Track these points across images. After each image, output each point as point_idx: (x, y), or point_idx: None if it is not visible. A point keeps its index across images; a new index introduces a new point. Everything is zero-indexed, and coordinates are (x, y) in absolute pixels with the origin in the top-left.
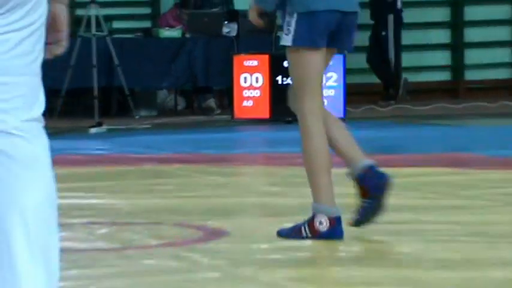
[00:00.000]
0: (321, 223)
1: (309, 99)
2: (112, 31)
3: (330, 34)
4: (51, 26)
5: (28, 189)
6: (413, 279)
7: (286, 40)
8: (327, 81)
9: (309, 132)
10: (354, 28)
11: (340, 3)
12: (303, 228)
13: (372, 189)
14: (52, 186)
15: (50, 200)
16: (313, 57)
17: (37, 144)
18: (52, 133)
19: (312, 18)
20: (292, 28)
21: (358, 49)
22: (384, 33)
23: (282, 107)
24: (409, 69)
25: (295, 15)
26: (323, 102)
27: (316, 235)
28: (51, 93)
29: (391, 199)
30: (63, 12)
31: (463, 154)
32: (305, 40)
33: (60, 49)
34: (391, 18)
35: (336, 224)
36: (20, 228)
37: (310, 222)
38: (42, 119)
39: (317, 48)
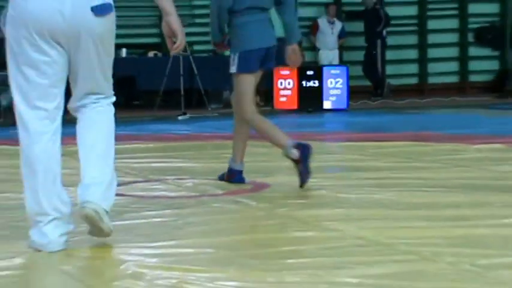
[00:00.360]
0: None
1: (249, 106)
2: (193, 51)
3: (260, 61)
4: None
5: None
6: (391, 215)
7: (233, 69)
8: (336, 84)
9: (259, 123)
10: (274, 55)
11: (265, 42)
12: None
13: (301, 158)
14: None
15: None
16: (249, 79)
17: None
18: (153, 119)
19: (247, 54)
20: (236, 62)
21: (358, 62)
22: (374, 52)
23: (305, 102)
24: (391, 76)
25: (237, 54)
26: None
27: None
28: (153, 93)
29: (375, 162)
30: (173, 22)
31: (426, 132)
32: (244, 68)
33: (177, 49)
34: (379, 42)
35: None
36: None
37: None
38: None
39: (252, 72)
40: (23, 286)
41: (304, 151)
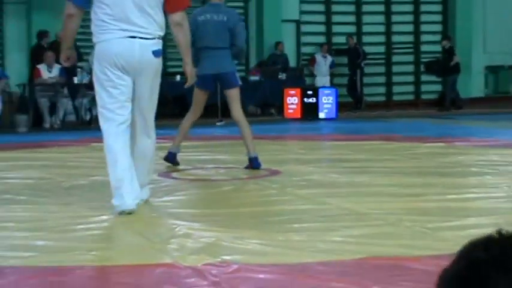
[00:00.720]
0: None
1: (194, 112)
2: None
3: (213, 82)
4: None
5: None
6: (366, 193)
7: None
8: (328, 100)
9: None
10: (228, 79)
11: (209, 70)
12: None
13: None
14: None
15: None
16: (201, 93)
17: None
18: (199, 125)
19: (200, 77)
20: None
21: (343, 85)
22: (354, 78)
23: (306, 113)
24: (367, 95)
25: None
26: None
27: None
28: None
29: (355, 155)
30: (187, 70)
31: (391, 135)
32: (197, 84)
33: (188, 85)
34: (358, 71)
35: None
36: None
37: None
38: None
39: (200, 88)
40: (104, 239)
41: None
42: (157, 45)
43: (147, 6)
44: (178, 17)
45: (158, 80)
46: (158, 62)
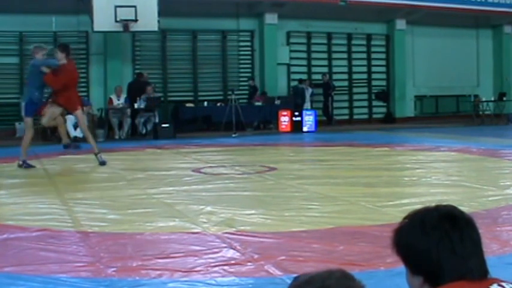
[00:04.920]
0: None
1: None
2: (237, 101)
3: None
4: None
5: None
6: (334, 182)
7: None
8: (309, 118)
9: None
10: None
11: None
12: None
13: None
14: None
15: None
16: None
17: None
18: (220, 136)
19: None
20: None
21: (320, 108)
22: (327, 103)
23: (294, 127)
24: (336, 114)
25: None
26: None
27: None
28: (219, 123)
29: (328, 156)
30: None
31: (353, 142)
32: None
33: None
34: (330, 98)
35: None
36: None
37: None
38: None
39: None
40: (155, 215)
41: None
42: None
43: None
44: None
45: None
46: None
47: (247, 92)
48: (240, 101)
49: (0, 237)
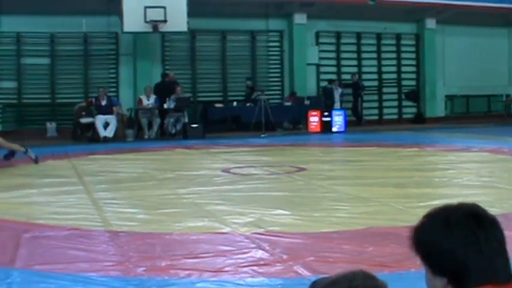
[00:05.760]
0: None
1: None
2: (267, 102)
3: None
4: None
5: None
6: (365, 183)
7: None
8: (339, 119)
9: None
10: None
11: None
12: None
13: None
14: None
15: None
16: None
17: None
18: (249, 136)
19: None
20: None
21: (349, 108)
22: (357, 103)
23: (325, 127)
24: (365, 114)
25: None
26: None
27: None
28: (249, 123)
29: (358, 157)
30: None
31: (382, 142)
32: None
33: None
34: (359, 98)
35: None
36: None
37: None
38: None
39: None
40: (185, 215)
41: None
42: None
43: None
44: None
45: None
46: None
47: (278, 92)
48: (270, 101)
49: (30, 236)
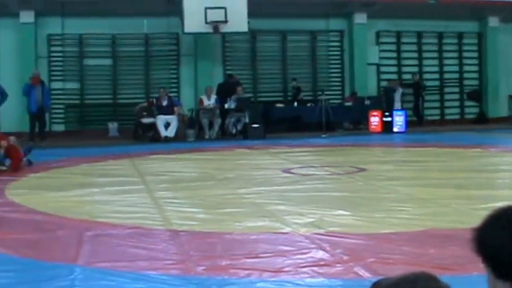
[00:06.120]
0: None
1: None
2: (327, 102)
3: None
4: None
5: None
6: (424, 183)
7: None
8: (400, 119)
9: None
10: None
11: None
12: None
13: None
14: None
15: None
16: None
17: None
18: (310, 136)
19: None
20: None
21: (410, 108)
22: (417, 103)
23: (385, 127)
24: (426, 115)
25: None
26: None
27: None
28: (311, 123)
29: (418, 157)
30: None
31: (444, 143)
32: None
33: None
34: (420, 98)
35: None
36: None
37: None
38: None
39: None
40: (245, 214)
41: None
42: None
43: None
44: None
45: None
46: None
47: (339, 92)
48: (330, 101)
49: (92, 234)
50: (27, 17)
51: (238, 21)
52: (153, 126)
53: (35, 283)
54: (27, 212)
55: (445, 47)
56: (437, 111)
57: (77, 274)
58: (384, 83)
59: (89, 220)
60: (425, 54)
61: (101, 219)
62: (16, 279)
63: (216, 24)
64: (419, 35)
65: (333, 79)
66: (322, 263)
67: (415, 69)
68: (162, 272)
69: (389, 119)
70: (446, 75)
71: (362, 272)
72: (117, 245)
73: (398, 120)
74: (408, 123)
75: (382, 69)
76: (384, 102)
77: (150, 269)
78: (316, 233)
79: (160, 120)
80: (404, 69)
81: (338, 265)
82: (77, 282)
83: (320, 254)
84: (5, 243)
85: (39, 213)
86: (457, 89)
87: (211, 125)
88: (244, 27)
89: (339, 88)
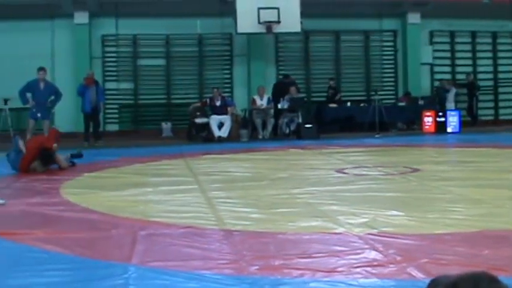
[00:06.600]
0: None
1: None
2: (380, 102)
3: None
4: None
5: None
6: (477, 184)
7: None
8: (454, 119)
9: None
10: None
11: None
12: None
13: None
14: None
15: None
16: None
17: None
18: (363, 136)
19: None
20: None
21: (464, 108)
22: (472, 103)
23: (439, 128)
24: (480, 115)
25: None
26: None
27: None
28: (363, 123)
29: (473, 158)
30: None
31: (499, 143)
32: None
33: None
34: (474, 98)
35: None
36: None
37: None
38: None
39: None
40: (298, 214)
41: None
42: None
43: None
44: None
45: None
46: None
47: (392, 92)
48: (384, 101)
49: (146, 233)
50: (81, 18)
51: (291, 21)
52: (206, 126)
53: (89, 281)
54: (82, 211)
55: (500, 47)
56: (492, 111)
57: (131, 273)
58: (437, 83)
59: (142, 219)
60: (479, 54)
61: (155, 219)
62: (71, 278)
63: (269, 25)
64: (473, 34)
65: (386, 79)
66: (375, 263)
67: (469, 69)
68: (215, 272)
69: (443, 119)
70: (500, 75)
71: (415, 273)
72: (170, 244)
73: (452, 121)
74: (462, 124)
75: (436, 69)
76: (437, 102)
77: (204, 269)
78: (369, 233)
79: (214, 120)
80: (458, 69)
81: (391, 265)
82: (131, 281)
83: (373, 254)
84: (60, 242)
85: (94, 212)
86: (511, 89)
87: (264, 125)
88: (297, 28)
89: (392, 88)
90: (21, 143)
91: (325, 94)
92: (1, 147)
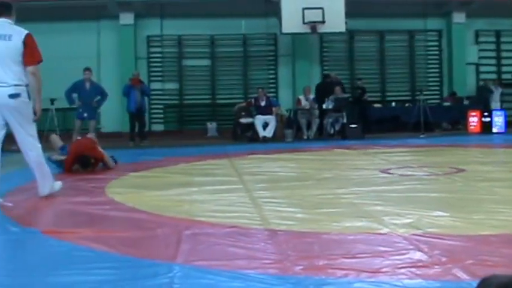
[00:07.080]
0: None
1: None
2: (424, 100)
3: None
4: None
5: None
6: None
7: None
8: (499, 119)
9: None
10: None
11: None
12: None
13: None
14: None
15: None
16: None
17: None
18: (405, 137)
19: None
20: None
21: (510, 108)
22: None
23: (484, 128)
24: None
25: None
26: None
27: None
28: (406, 123)
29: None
30: (37, 107)
31: None
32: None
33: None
34: None
35: None
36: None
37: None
38: None
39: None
40: (343, 214)
41: None
42: (13, 90)
43: (9, 62)
44: (32, 69)
45: (25, 116)
46: (15, 102)
47: (437, 92)
48: (429, 101)
49: (191, 233)
50: (127, 18)
51: (336, 21)
52: (251, 126)
53: (134, 280)
54: (127, 210)
55: None
56: None
57: (176, 272)
58: (481, 83)
59: (187, 219)
60: None
61: (200, 218)
62: (116, 276)
63: (313, 25)
64: None
65: (431, 79)
66: (420, 264)
67: None
68: (259, 271)
69: (488, 119)
70: None
71: (460, 274)
72: (215, 243)
73: (498, 121)
74: (508, 124)
75: (481, 69)
76: (483, 103)
77: (248, 268)
78: (414, 234)
79: (259, 120)
80: (504, 68)
81: (436, 267)
82: (176, 280)
83: (418, 255)
84: (105, 240)
85: (139, 211)
86: None
87: (309, 125)
88: (341, 28)
89: (437, 88)
90: (55, 158)
91: (369, 94)
92: (47, 146)
